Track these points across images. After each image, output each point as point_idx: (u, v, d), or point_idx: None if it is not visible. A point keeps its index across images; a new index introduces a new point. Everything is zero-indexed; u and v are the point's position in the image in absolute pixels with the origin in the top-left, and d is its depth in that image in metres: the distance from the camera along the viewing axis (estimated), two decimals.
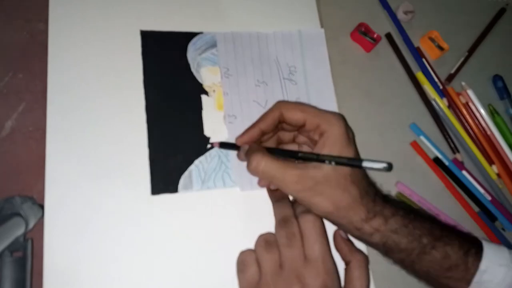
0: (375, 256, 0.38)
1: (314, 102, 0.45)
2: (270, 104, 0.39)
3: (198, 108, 0.43)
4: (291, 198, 0.39)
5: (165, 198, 0.39)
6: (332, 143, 0.35)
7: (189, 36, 0.45)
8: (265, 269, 0.34)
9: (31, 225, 0.36)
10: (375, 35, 0.52)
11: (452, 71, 0.55)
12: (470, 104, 0.54)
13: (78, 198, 0.37)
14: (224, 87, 0.44)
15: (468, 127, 0.53)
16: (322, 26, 0.50)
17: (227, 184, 0.41)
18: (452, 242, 0.35)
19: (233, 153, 0.42)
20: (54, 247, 0.36)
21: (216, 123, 0.43)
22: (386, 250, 0.36)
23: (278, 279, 0.33)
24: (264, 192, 0.40)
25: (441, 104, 0.52)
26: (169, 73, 0.43)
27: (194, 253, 0.38)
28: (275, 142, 0.41)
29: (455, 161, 0.50)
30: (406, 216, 0.35)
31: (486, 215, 0.49)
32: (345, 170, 0.35)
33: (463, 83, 0.54)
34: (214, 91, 0.44)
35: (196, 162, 0.41)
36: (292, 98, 0.45)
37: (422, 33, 0.55)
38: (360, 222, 0.35)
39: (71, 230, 0.37)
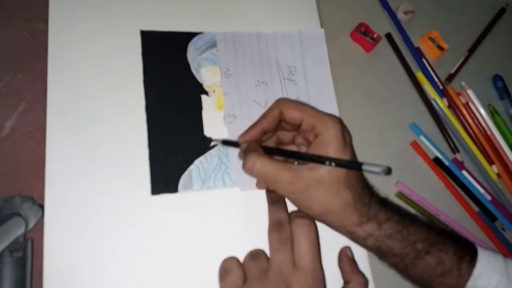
0: (375, 256, 0.38)
1: (314, 102, 0.46)
2: (270, 104, 0.39)
3: (198, 108, 0.43)
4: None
5: (165, 198, 0.39)
6: (326, 145, 0.35)
7: (189, 36, 0.45)
8: (251, 274, 0.34)
9: (31, 225, 0.36)
10: (375, 35, 0.52)
11: (452, 71, 0.55)
12: (470, 104, 0.54)
13: (78, 198, 0.37)
14: (224, 87, 0.44)
15: (468, 127, 0.53)
16: (322, 26, 0.50)
17: (227, 184, 0.41)
18: (446, 248, 0.35)
19: (233, 153, 0.42)
20: (54, 247, 0.36)
21: (216, 123, 0.43)
22: (380, 254, 0.36)
23: (265, 283, 0.33)
24: (264, 193, 0.40)
25: (441, 104, 0.52)
26: (169, 73, 0.43)
27: (194, 253, 0.38)
28: (275, 142, 0.41)
29: (455, 161, 0.50)
30: (401, 221, 0.35)
31: (486, 215, 0.49)
32: (339, 174, 0.34)
33: (463, 83, 0.54)
34: (214, 91, 0.44)
35: (196, 162, 0.41)
36: (292, 98, 0.45)
37: (422, 33, 0.55)
38: (352, 226, 0.35)
39: (71, 230, 0.37)
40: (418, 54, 0.54)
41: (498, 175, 0.52)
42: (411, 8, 0.55)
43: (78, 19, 0.43)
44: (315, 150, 0.36)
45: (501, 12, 0.60)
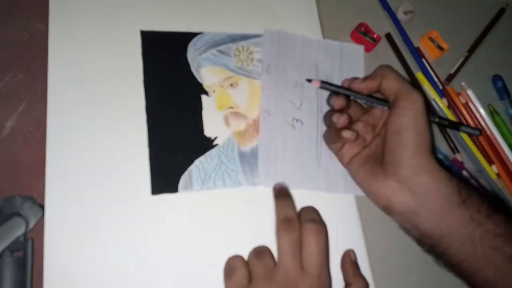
0: (375, 256, 0.38)
1: None
2: (304, 107, 0.41)
3: (198, 108, 0.43)
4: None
5: (165, 198, 0.39)
6: (411, 116, 0.36)
7: (189, 36, 0.45)
8: (256, 273, 0.34)
9: (31, 225, 0.36)
10: (375, 35, 0.52)
11: (452, 71, 0.55)
12: (470, 104, 0.54)
13: (78, 198, 0.37)
14: (263, 82, 0.45)
15: None
16: (322, 26, 0.50)
17: (227, 184, 0.41)
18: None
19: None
20: (54, 247, 0.36)
21: (216, 123, 0.43)
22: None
23: (271, 283, 0.33)
24: (264, 193, 0.40)
25: (441, 104, 0.52)
26: (169, 73, 0.43)
27: (194, 253, 0.38)
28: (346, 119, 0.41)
29: (455, 161, 0.50)
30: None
31: None
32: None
33: (462, 83, 0.54)
34: (214, 91, 0.44)
35: (196, 162, 0.41)
36: (324, 104, 0.46)
37: (422, 33, 0.55)
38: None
39: (71, 230, 0.37)
40: (418, 54, 0.54)
41: (498, 175, 0.52)
42: (411, 8, 0.55)
43: (78, 20, 0.43)
44: (399, 116, 0.37)
45: (501, 12, 0.60)
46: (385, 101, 0.40)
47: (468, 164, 0.51)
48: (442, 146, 0.51)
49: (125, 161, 0.39)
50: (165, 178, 0.40)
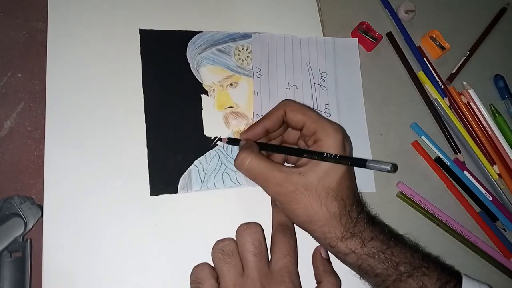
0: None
1: (343, 109, 0.47)
2: None
3: (197, 107, 0.43)
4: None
5: (165, 198, 0.39)
6: (325, 150, 0.35)
7: (188, 35, 0.45)
8: (226, 282, 0.33)
9: (30, 225, 0.36)
10: (376, 34, 0.51)
11: (454, 71, 0.54)
12: (472, 104, 0.53)
13: (77, 198, 0.37)
14: (255, 86, 0.45)
15: (470, 127, 0.52)
16: (322, 25, 0.50)
17: (227, 184, 0.41)
18: (431, 273, 0.34)
19: (236, 151, 0.42)
20: (53, 248, 0.36)
21: (216, 123, 0.43)
22: (361, 273, 0.36)
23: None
24: (263, 193, 0.40)
25: (442, 103, 0.52)
26: (168, 72, 0.43)
27: (194, 253, 0.38)
28: (279, 141, 0.41)
29: (456, 161, 0.50)
30: (386, 242, 0.35)
31: (487, 215, 0.49)
32: (329, 184, 0.34)
33: (464, 83, 0.54)
34: (213, 90, 0.44)
35: (196, 162, 0.41)
36: (321, 103, 0.46)
37: (423, 32, 0.55)
38: (334, 240, 0.34)
39: (70, 230, 0.36)
40: (419, 53, 0.53)
41: (500, 175, 0.51)
42: (412, 7, 0.54)
43: (77, 19, 0.43)
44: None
45: (502, 12, 0.60)
46: (319, 153, 0.35)
47: (469, 165, 0.51)
48: (444, 146, 0.50)
49: (124, 161, 0.39)
50: (164, 179, 0.39)
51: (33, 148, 0.38)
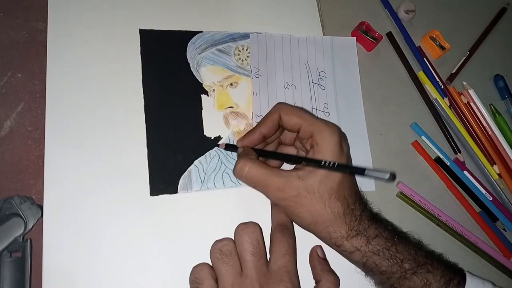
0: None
1: (342, 108, 0.46)
2: None
3: (197, 107, 0.43)
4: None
5: (165, 198, 0.39)
6: (323, 155, 0.35)
7: (188, 35, 0.45)
8: (224, 282, 0.33)
9: (30, 225, 0.36)
10: (376, 34, 0.51)
11: (454, 71, 0.54)
12: (472, 104, 0.53)
13: (77, 198, 0.37)
14: (254, 87, 0.45)
15: (470, 127, 0.52)
16: (322, 25, 0.50)
17: (227, 184, 0.41)
18: (435, 270, 0.35)
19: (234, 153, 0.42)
20: (53, 248, 0.36)
21: (216, 123, 0.43)
22: (366, 270, 0.36)
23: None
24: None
25: (442, 104, 0.52)
26: (168, 72, 0.43)
27: (193, 253, 0.38)
28: (276, 143, 0.41)
29: (456, 161, 0.50)
30: (390, 239, 0.35)
31: (487, 215, 0.49)
32: (331, 185, 0.34)
33: (464, 83, 0.54)
34: (213, 90, 0.44)
35: (196, 162, 0.41)
36: (320, 102, 0.46)
37: (423, 32, 0.55)
38: (340, 239, 0.35)
39: (70, 230, 0.36)
40: (419, 53, 0.53)
41: (500, 175, 0.51)
42: (412, 7, 0.54)
43: (77, 19, 0.43)
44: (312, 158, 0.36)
45: (502, 12, 0.60)
46: (317, 161, 0.35)
47: (469, 165, 0.51)
48: (444, 146, 0.50)
49: (124, 161, 0.39)
50: (164, 179, 0.39)
51: (33, 148, 0.38)
